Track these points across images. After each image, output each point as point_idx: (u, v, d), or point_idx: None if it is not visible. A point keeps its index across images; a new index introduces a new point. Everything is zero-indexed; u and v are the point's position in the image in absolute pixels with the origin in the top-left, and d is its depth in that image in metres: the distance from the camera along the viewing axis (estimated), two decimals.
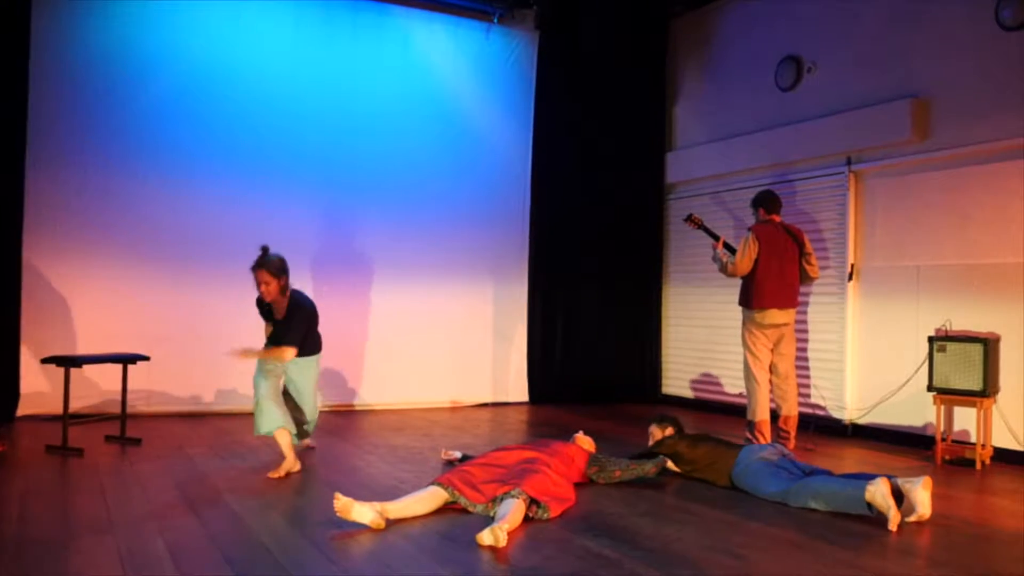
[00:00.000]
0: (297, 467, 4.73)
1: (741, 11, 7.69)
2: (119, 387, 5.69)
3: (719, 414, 7.39)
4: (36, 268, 6.37)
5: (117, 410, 5.72)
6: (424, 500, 3.84)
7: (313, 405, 5.14)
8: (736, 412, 7.25)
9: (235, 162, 7.04)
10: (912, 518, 3.78)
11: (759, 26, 7.45)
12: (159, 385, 6.69)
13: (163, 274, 6.76)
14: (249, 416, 6.64)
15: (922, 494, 3.80)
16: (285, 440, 4.70)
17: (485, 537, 3.32)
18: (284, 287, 4.81)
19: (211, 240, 6.94)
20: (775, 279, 5.71)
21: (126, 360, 5.64)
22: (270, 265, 4.72)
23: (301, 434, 5.08)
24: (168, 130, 6.82)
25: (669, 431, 4.93)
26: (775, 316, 5.71)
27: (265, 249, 4.79)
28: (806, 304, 6.85)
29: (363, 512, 3.56)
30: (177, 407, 6.76)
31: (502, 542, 3.31)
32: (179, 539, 3.40)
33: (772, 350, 5.81)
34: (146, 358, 5.79)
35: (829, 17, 6.77)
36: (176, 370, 6.74)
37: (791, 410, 5.85)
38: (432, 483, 3.93)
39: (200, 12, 6.93)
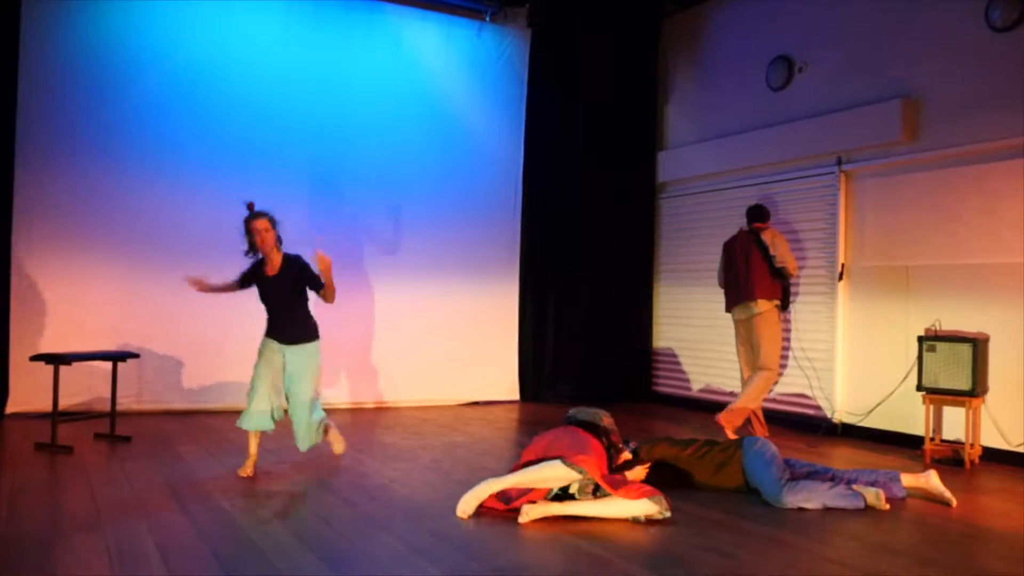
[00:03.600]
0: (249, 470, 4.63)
1: (733, 10, 7.70)
2: (109, 385, 5.67)
3: (710, 412, 7.38)
4: (25, 266, 6.34)
5: (107, 408, 5.70)
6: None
7: (308, 407, 4.76)
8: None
9: (226, 160, 7.01)
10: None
11: (750, 25, 7.47)
12: (149, 383, 6.67)
13: (153, 271, 6.73)
14: (236, 414, 6.67)
15: (934, 481, 4.27)
16: (254, 441, 4.69)
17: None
18: (279, 239, 4.79)
19: (202, 237, 6.90)
20: (730, 281, 6.37)
21: (116, 358, 5.62)
22: (268, 214, 4.75)
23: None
24: (158, 128, 6.79)
25: (633, 444, 4.65)
26: (736, 313, 6.36)
27: (250, 205, 4.83)
28: (795, 304, 6.87)
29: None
30: (167, 405, 6.74)
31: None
32: (168, 536, 3.39)
33: (749, 345, 6.32)
34: (136, 356, 5.77)
35: (820, 17, 6.79)
36: (166, 368, 6.72)
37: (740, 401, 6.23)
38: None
39: (191, 10, 6.89)
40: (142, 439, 5.55)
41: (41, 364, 5.21)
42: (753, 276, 6.18)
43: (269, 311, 4.85)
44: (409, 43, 7.75)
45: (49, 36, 6.42)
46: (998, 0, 5.48)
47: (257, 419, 4.68)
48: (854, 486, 4.15)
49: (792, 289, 6.89)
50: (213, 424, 6.25)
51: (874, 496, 4.07)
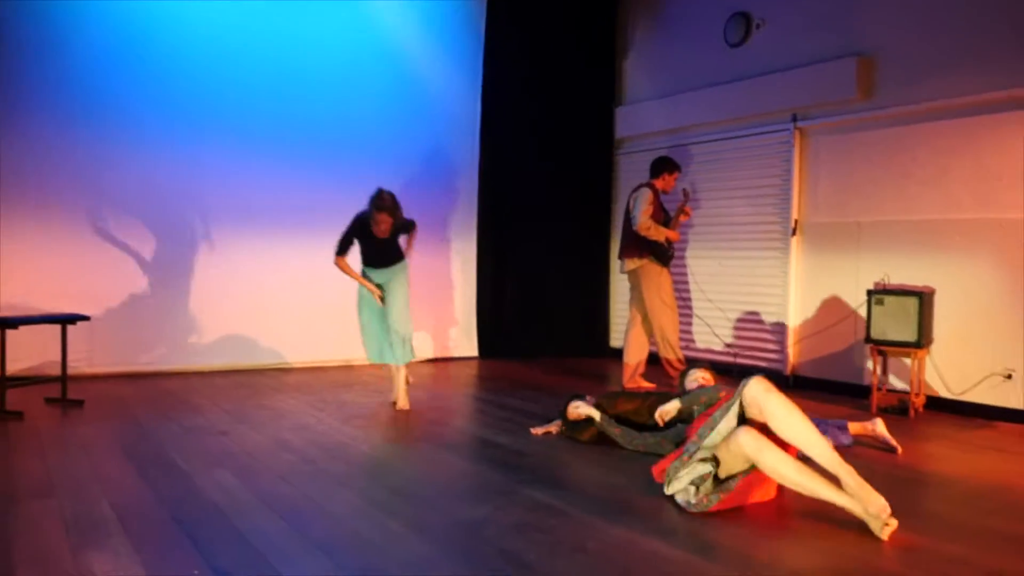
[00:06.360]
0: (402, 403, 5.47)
1: None
2: (59, 348, 5.56)
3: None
4: None
5: (57, 372, 5.60)
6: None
7: (403, 314, 5.45)
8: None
9: (175, 116, 6.82)
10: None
11: None
12: (101, 346, 6.55)
13: (103, 232, 6.58)
14: (192, 375, 6.65)
15: (881, 428, 4.45)
16: (398, 374, 5.48)
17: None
18: (396, 220, 5.38)
19: (151, 196, 6.76)
20: None
21: (65, 320, 5.50)
22: (386, 208, 5.27)
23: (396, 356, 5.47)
24: (108, 86, 6.56)
25: (590, 399, 4.69)
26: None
27: (379, 190, 5.33)
28: (748, 258, 6.98)
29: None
30: (120, 367, 6.63)
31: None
32: (125, 501, 3.37)
33: (634, 297, 6.44)
34: (86, 318, 5.65)
35: None
36: (118, 330, 6.60)
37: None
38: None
39: None
40: (95, 403, 5.47)
41: None
42: (623, 233, 6.43)
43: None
44: None
45: None
46: None
47: (377, 352, 5.60)
48: None
49: (747, 244, 7.01)
50: (168, 386, 6.18)
51: None
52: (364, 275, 5.55)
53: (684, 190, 6.55)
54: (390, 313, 5.45)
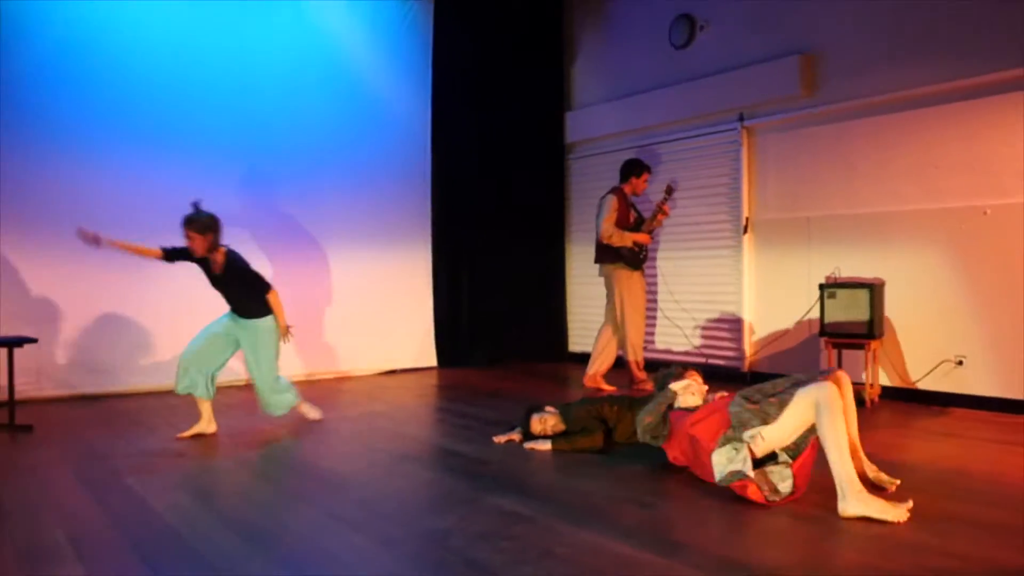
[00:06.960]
0: (211, 429, 5.04)
1: None
2: (4, 372, 5.38)
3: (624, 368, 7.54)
4: None
5: (4, 397, 5.42)
6: None
7: (265, 375, 5.14)
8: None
9: (121, 130, 6.66)
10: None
11: None
12: (49, 368, 6.36)
13: (49, 250, 6.39)
14: (146, 396, 6.49)
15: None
16: (203, 405, 5.04)
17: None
18: (213, 244, 4.92)
19: (98, 214, 6.56)
20: None
21: (11, 343, 5.33)
22: (195, 223, 4.87)
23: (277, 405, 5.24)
24: (49, 95, 6.37)
25: (550, 409, 4.64)
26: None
27: (194, 205, 4.94)
28: (702, 257, 7.06)
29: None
30: (70, 390, 6.45)
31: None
32: (80, 527, 3.27)
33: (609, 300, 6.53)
34: (33, 340, 5.49)
35: None
36: (67, 352, 6.43)
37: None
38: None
39: None
40: (45, 427, 5.31)
41: None
42: (596, 239, 6.47)
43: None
44: (311, 6, 7.50)
45: None
46: None
47: (190, 384, 5.06)
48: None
49: (701, 243, 7.08)
50: (120, 408, 6.03)
51: None
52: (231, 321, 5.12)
53: (668, 186, 6.45)
54: (256, 376, 5.16)
